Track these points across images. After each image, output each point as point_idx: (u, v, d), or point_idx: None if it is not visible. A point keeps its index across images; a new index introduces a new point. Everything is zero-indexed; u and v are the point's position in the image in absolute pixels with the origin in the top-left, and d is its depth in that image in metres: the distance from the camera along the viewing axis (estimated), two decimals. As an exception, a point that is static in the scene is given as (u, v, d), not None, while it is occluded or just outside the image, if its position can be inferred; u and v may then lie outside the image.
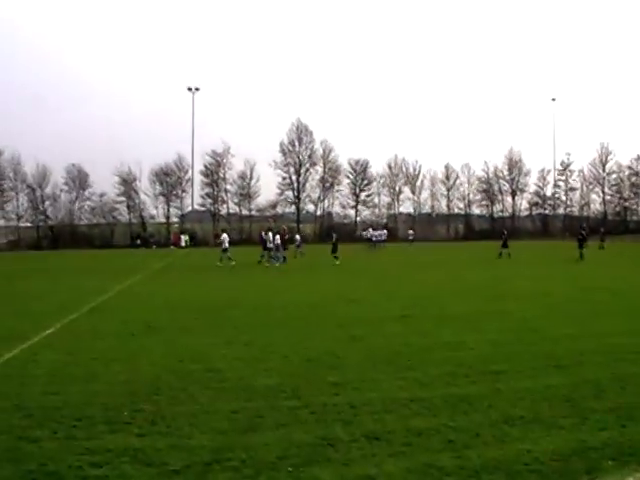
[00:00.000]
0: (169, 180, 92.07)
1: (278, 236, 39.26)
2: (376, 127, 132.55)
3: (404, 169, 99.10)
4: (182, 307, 17.06)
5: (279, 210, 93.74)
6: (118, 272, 31.81)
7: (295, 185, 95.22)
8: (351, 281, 24.91)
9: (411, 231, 76.13)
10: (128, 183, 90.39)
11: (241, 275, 29.01)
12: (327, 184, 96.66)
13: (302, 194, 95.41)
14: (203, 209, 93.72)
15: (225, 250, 38.81)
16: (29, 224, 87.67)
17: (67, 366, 10.14)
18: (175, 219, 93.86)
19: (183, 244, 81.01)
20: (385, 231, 68.73)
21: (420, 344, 11.53)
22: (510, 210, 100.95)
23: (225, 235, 40.35)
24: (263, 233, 40.29)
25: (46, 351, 11.25)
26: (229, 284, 24.35)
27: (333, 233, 43.71)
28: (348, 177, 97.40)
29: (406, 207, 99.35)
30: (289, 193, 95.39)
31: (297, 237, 53.38)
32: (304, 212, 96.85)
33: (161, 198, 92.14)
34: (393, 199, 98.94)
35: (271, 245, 38.64)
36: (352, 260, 41.43)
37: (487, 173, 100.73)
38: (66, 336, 12.79)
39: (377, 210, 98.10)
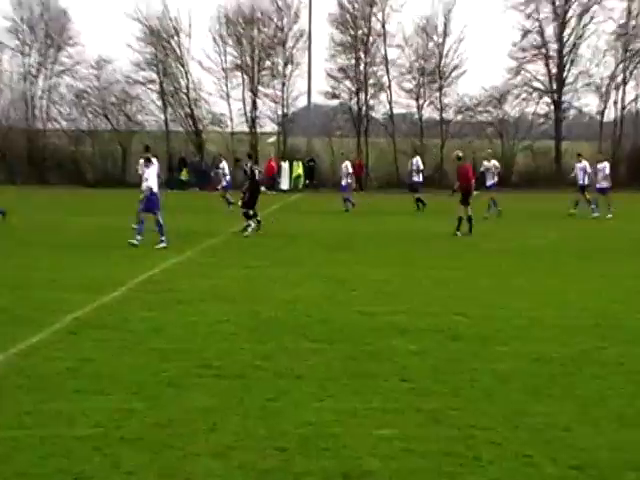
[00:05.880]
0: (253, 34, 51.47)
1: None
2: None
3: None
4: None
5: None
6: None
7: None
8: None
9: None
10: (161, 39, 51.21)
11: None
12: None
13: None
14: (332, 102, 52.03)
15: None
16: None
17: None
18: (269, 125, 53.47)
19: (285, 183, 46.08)
20: None
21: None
22: None
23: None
24: None
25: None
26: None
27: None
28: None
29: None
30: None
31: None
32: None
33: (236, 75, 51.96)
34: None
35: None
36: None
37: None
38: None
39: None
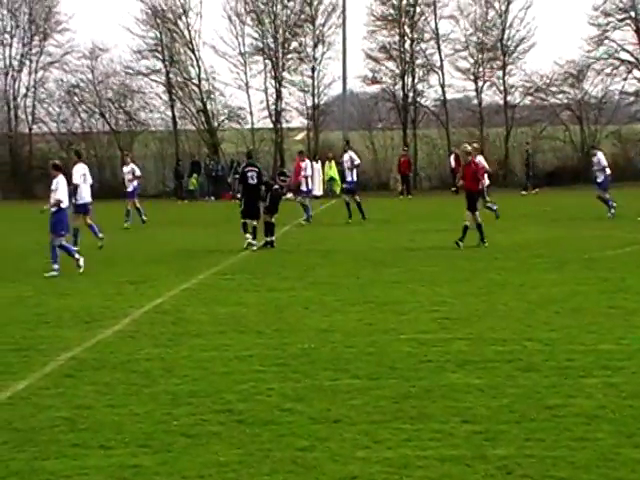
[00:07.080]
0: (276, 10, 52.75)
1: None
2: None
3: None
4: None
5: None
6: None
7: None
8: None
9: None
10: (166, 20, 53.30)
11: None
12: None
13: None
14: (372, 88, 53.61)
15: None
16: None
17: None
18: (296, 119, 55.42)
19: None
20: None
21: None
22: None
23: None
24: None
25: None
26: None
27: None
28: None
29: None
30: None
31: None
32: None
33: (257, 60, 53.18)
34: None
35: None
36: None
37: None
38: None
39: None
